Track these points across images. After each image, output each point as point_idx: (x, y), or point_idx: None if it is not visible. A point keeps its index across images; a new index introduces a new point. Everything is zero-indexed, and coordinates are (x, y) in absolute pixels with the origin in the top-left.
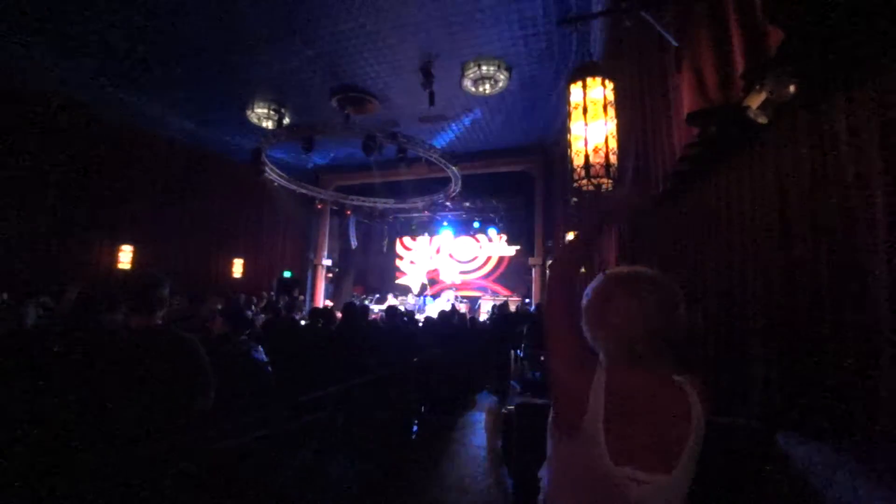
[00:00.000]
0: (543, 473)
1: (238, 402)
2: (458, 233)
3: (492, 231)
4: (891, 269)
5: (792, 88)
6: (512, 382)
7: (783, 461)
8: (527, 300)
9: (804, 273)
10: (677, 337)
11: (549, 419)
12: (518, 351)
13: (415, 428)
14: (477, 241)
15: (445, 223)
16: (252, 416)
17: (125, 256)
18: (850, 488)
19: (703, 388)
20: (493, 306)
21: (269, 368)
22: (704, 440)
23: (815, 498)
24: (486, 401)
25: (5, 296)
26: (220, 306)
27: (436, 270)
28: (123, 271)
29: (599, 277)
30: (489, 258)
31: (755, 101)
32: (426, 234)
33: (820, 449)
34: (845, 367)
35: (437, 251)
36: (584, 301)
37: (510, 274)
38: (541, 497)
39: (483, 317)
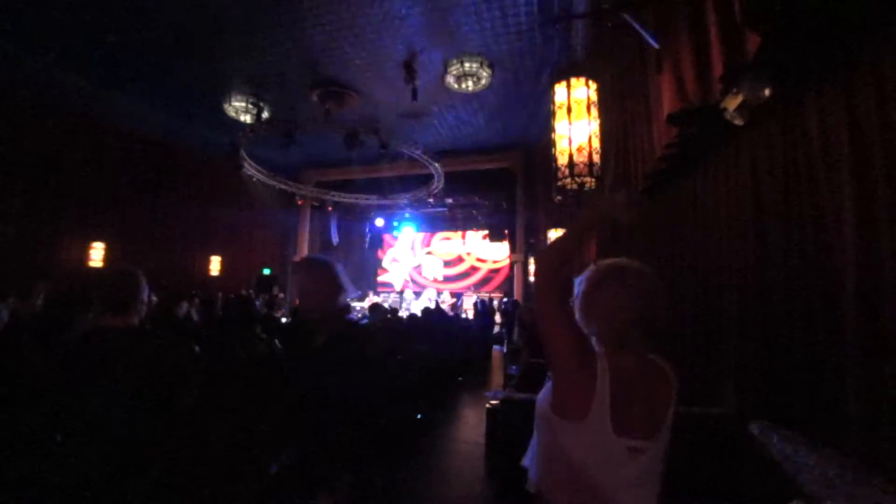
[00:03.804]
0: (530, 463)
1: (258, 404)
2: (429, 229)
3: (471, 233)
4: (859, 264)
5: (767, 91)
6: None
7: (756, 448)
8: (504, 299)
9: (777, 267)
10: (659, 322)
11: (545, 410)
12: (501, 346)
13: (399, 424)
14: (463, 237)
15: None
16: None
17: (96, 254)
18: (819, 473)
19: (671, 364)
20: (476, 302)
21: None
22: (681, 429)
23: (787, 483)
24: (470, 396)
25: None
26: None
27: (418, 267)
28: (95, 269)
29: (590, 268)
30: (476, 268)
31: (732, 103)
32: (408, 231)
33: (791, 436)
34: (816, 358)
35: (415, 248)
36: (577, 290)
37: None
38: (530, 485)
39: (466, 314)
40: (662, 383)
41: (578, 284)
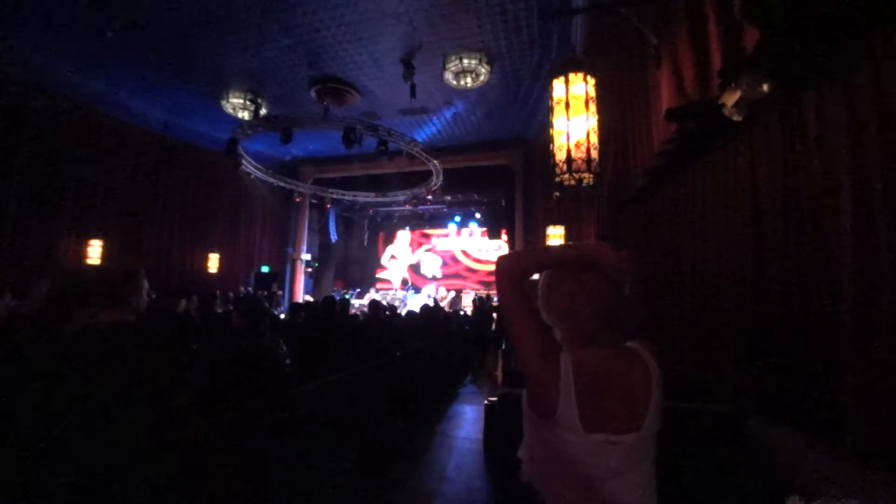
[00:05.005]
0: (523, 454)
1: (256, 399)
2: (427, 227)
3: (472, 225)
4: (856, 260)
5: (765, 87)
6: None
7: (753, 444)
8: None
9: (774, 263)
10: (625, 313)
11: (525, 405)
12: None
13: (398, 421)
14: (458, 234)
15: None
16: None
17: (94, 251)
18: (816, 468)
19: (653, 347)
20: (475, 299)
21: (289, 361)
22: (677, 425)
23: (784, 478)
24: (469, 392)
25: None
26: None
27: (417, 264)
28: (93, 266)
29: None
30: (474, 270)
31: (730, 98)
32: (407, 228)
33: (788, 432)
34: (813, 354)
35: (417, 245)
36: (539, 286)
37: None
38: (523, 476)
39: (464, 310)
40: (640, 373)
41: (540, 280)
